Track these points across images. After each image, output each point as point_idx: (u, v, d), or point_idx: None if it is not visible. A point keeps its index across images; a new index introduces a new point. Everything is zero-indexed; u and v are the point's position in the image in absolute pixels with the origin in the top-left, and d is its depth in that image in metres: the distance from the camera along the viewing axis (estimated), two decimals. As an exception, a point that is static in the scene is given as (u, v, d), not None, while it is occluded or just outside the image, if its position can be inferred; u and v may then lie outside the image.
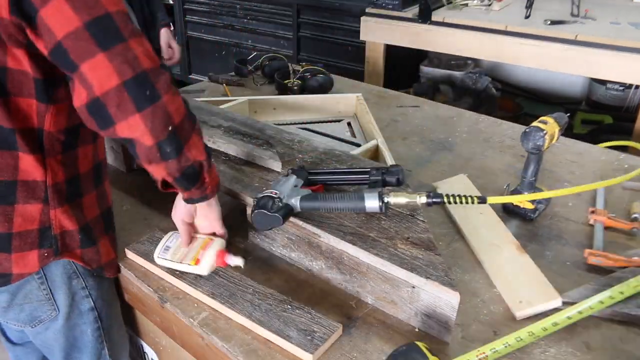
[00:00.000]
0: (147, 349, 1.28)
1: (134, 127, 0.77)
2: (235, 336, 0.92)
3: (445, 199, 0.94)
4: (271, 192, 0.99)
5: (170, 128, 0.80)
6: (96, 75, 0.75)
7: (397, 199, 0.96)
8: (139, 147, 0.80)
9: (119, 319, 1.16)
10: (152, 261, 1.06)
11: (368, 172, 1.05)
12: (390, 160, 1.35)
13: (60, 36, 0.74)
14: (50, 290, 0.99)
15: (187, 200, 0.96)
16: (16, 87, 0.84)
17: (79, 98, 0.77)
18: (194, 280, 1.01)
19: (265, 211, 0.95)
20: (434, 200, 0.94)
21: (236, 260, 1.01)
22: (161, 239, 1.08)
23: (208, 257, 1.00)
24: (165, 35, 1.93)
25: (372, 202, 0.95)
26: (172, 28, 2.00)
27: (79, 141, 0.95)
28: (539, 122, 1.14)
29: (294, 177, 1.06)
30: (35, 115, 0.87)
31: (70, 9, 0.73)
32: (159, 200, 1.32)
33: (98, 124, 0.79)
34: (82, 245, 0.98)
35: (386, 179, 1.03)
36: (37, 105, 0.86)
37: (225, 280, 1.01)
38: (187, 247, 1.04)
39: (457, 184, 1.29)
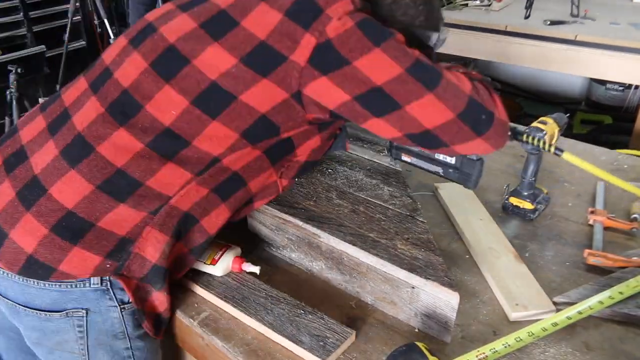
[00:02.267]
0: (148, 349, 1.28)
1: (474, 147, 0.85)
2: (236, 336, 0.92)
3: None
4: None
5: (505, 129, 0.88)
6: (426, 112, 0.80)
7: None
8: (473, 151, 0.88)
9: None
10: None
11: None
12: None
13: (380, 82, 0.79)
14: (88, 347, 0.89)
15: None
16: (232, 116, 0.82)
17: (383, 132, 0.85)
18: (207, 282, 1.01)
19: None
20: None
21: (253, 268, 1.02)
22: None
23: (226, 259, 1.02)
24: None
25: None
26: None
27: (229, 192, 0.90)
28: (539, 122, 1.14)
29: None
30: (225, 145, 0.84)
31: (390, 59, 0.79)
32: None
33: (424, 145, 0.87)
34: (143, 279, 0.86)
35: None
36: (236, 139, 0.84)
37: (238, 284, 1.01)
38: None
39: (456, 190, 1.28)
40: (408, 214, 1.03)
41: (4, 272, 0.85)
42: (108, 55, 0.92)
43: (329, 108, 0.84)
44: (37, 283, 0.83)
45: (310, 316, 0.93)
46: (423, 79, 0.79)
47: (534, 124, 1.14)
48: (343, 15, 0.79)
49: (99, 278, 0.84)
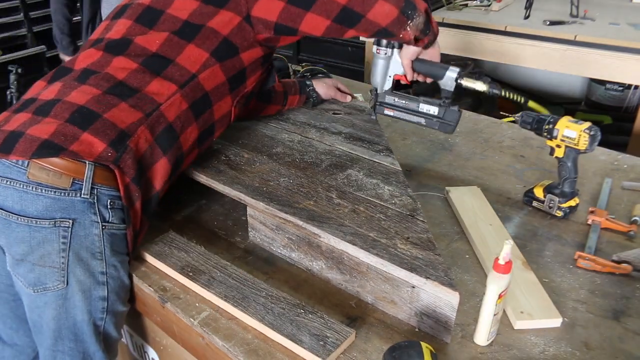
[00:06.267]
0: (148, 348, 1.28)
1: (380, 10, 1.03)
2: (236, 336, 0.92)
3: (503, 92, 1.14)
4: None
5: None
6: None
7: (468, 83, 1.15)
8: (390, 24, 1.05)
9: (122, 322, 1.11)
10: (165, 261, 1.07)
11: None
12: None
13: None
14: (68, 261, 0.96)
15: (426, 46, 1.18)
16: (203, 39, 1.08)
17: (317, 27, 1.06)
18: (207, 282, 1.01)
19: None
20: (494, 91, 1.14)
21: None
22: (175, 239, 1.09)
23: None
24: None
25: (451, 73, 1.15)
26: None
27: (200, 112, 1.09)
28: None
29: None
30: (199, 63, 1.06)
31: None
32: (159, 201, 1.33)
33: (348, 24, 1.05)
34: (133, 179, 0.99)
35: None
36: (207, 58, 1.07)
37: (238, 283, 1.01)
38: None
39: (467, 194, 1.27)
40: (408, 213, 1.03)
41: (6, 180, 0.94)
42: (97, 32, 1.15)
43: (272, 21, 1.07)
44: (36, 188, 0.93)
45: (310, 316, 0.93)
46: None
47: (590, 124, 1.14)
48: None
49: (89, 189, 0.95)
